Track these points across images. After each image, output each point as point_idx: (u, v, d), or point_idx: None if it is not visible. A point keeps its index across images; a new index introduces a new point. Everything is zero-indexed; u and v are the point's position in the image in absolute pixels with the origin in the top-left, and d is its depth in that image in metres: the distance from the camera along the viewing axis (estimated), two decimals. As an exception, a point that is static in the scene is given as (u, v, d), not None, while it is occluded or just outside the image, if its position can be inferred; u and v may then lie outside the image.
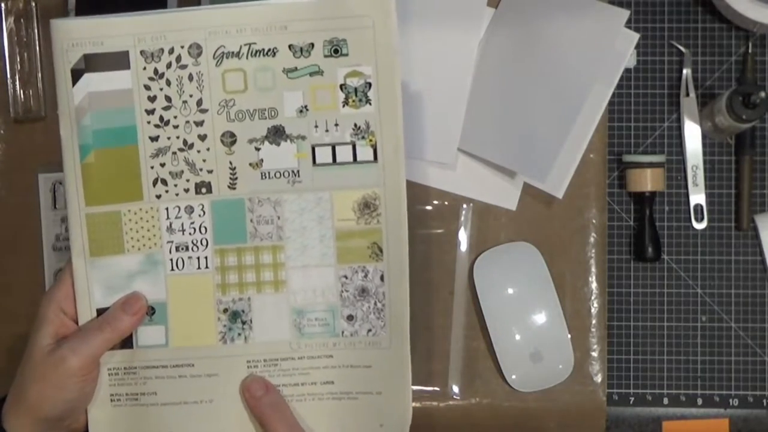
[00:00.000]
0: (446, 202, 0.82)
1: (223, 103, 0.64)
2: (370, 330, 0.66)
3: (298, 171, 0.65)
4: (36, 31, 0.82)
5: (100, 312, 0.65)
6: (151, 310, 0.66)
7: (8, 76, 0.82)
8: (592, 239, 0.81)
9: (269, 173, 0.65)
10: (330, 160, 0.65)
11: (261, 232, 0.65)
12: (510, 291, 0.80)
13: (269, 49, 0.64)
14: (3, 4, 0.82)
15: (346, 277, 0.65)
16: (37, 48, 0.82)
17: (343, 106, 0.64)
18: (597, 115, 0.80)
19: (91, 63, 0.64)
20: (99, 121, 0.64)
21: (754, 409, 0.82)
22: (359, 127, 0.64)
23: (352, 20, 0.63)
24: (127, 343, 0.66)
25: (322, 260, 0.65)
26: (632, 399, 0.82)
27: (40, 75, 0.82)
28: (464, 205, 0.82)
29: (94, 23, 0.64)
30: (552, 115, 0.78)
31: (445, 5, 0.81)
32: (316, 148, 0.65)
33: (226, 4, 0.65)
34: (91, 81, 0.64)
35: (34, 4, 0.83)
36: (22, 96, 0.82)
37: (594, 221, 0.81)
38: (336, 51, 0.64)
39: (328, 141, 0.65)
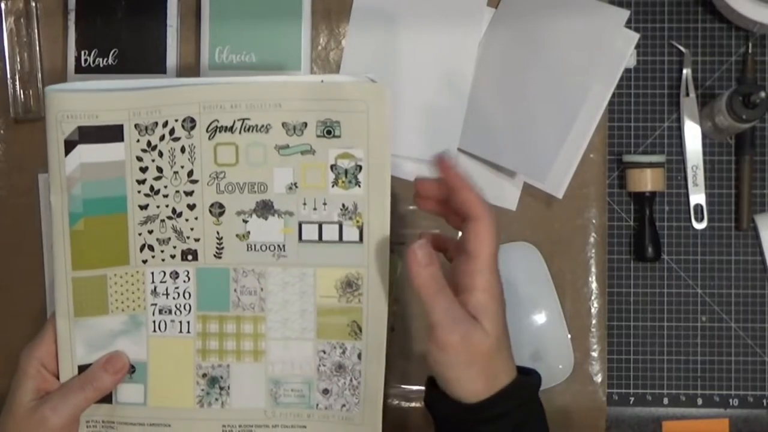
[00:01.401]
0: (446, 202, 0.82)
1: (213, 175, 0.65)
2: (344, 405, 0.66)
3: (283, 246, 0.66)
4: (36, 31, 0.82)
5: (82, 368, 0.66)
6: (132, 369, 0.67)
7: (8, 76, 0.82)
8: (592, 239, 0.81)
9: (255, 246, 0.66)
10: (316, 237, 0.65)
11: (244, 302, 0.66)
12: (510, 291, 0.80)
13: (262, 126, 0.64)
14: (3, 4, 0.82)
15: (324, 352, 0.66)
16: (37, 48, 0.82)
17: (333, 186, 0.65)
18: (597, 115, 0.80)
19: (85, 135, 0.64)
20: (90, 190, 0.65)
21: (754, 409, 0.82)
22: (347, 208, 0.65)
23: (347, 103, 0.64)
24: (106, 398, 0.66)
25: (302, 334, 0.66)
26: (632, 399, 0.82)
27: (40, 75, 0.82)
28: (464, 205, 0.82)
29: (90, 97, 0.64)
30: (552, 115, 0.78)
31: (445, 5, 0.81)
32: (303, 225, 0.66)
33: (222, 79, 0.65)
34: (84, 152, 0.64)
35: (34, 4, 0.83)
36: (22, 96, 0.82)
37: (594, 221, 0.81)
38: (329, 132, 0.64)
39: (316, 219, 0.65)
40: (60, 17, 0.83)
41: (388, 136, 0.64)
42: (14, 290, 0.82)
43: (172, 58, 0.81)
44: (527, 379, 0.62)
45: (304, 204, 0.65)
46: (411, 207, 0.82)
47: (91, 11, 0.81)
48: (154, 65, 0.81)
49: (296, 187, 0.65)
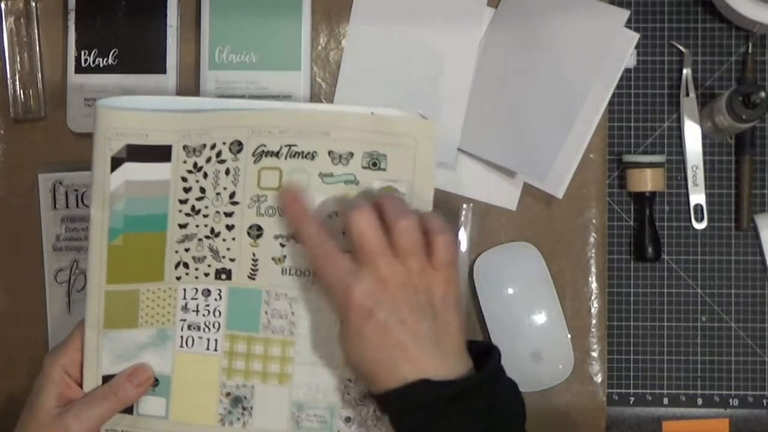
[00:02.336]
0: (446, 202, 0.82)
1: (255, 198, 0.65)
2: None
3: None
4: (36, 31, 0.82)
5: (106, 379, 0.66)
6: (156, 382, 0.66)
7: (8, 76, 0.82)
8: (592, 239, 0.81)
9: (290, 270, 0.65)
10: None
11: (274, 325, 0.66)
12: (510, 291, 0.80)
13: (308, 153, 0.64)
14: (3, 4, 0.82)
15: (350, 381, 0.65)
16: (37, 48, 0.82)
17: None
18: (597, 115, 0.80)
19: (133, 153, 0.64)
20: (132, 207, 0.65)
21: (754, 409, 0.82)
22: None
23: (394, 137, 0.64)
24: (127, 409, 0.66)
25: (330, 361, 0.66)
26: (632, 399, 0.82)
27: (40, 75, 0.82)
28: (464, 205, 0.82)
29: (142, 117, 0.64)
30: (552, 115, 0.78)
31: (445, 5, 0.81)
32: None
33: (272, 104, 0.65)
34: (130, 170, 0.64)
35: (34, 4, 0.83)
36: (22, 96, 0.82)
37: (594, 221, 0.81)
38: (374, 164, 0.64)
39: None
40: (60, 17, 0.83)
41: (433, 173, 0.64)
42: (14, 290, 0.82)
43: (172, 58, 0.81)
44: (417, 388, 0.58)
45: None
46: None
47: (91, 11, 0.81)
48: (154, 65, 0.81)
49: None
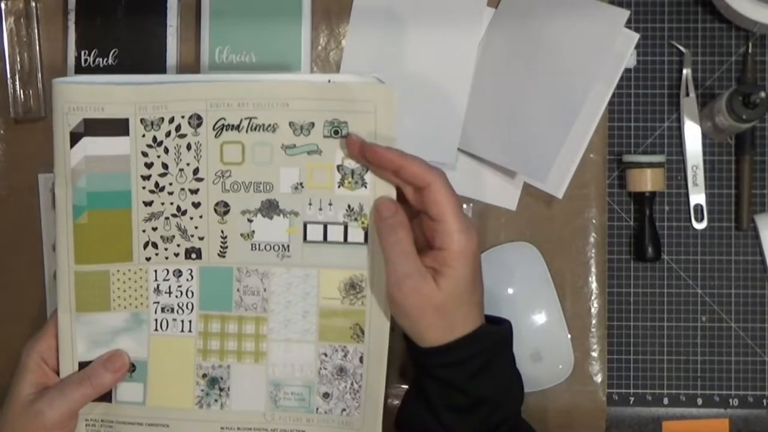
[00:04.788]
0: (446, 202, 0.82)
1: (219, 174, 0.65)
2: (344, 410, 0.66)
3: (288, 246, 0.66)
4: (36, 31, 0.82)
5: (83, 365, 0.66)
6: (132, 368, 0.67)
7: (8, 76, 0.82)
8: (592, 239, 0.81)
9: (259, 245, 0.66)
10: (321, 238, 0.65)
11: (246, 302, 0.66)
12: (510, 291, 0.80)
13: (269, 125, 0.64)
14: (3, 4, 0.82)
15: (325, 355, 0.66)
16: (37, 48, 0.82)
17: (339, 186, 0.65)
18: (597, 115, 0.80)
19: (91, 127, 0.64)
20: (94, 183, 0.65)
21: (754, 409, 0.82)
22: (353, 209, 0.65)
23: (354, 104, 0.63)
24: (105, 396, 0.66)
25: (304, 336, 0.66)
26: (632, 399, 0.82)
27: (40, 75, 0.82)
28: (464, 205, 0.82)
29: (97, 90, 0.64)
30: (552, 115, 0.78)
31: (445, 5, 0.81)
32: (308, 225, 0.65)
33: (228, 76, 0.65)
34: (89, 145, 0.64)
35: (34, 4, 0.83)
36: (22, 96, 0.82)
37: (594, 221, 0.81)
38: (336, 132, 0.64)
39: (321, 219, 0.65)
40: (60, 17, 0.83)
41: (394, 137, 0.64)
42: (14, 290, 0.82)
43: (172, 58, 0.81)
44: (488, 329, 0.64)
45: (310, 204, 0.65)
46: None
47: (91, 11, 0.81)
48: (154, 65, 0.81)
49: (302, 187, 0.65)
